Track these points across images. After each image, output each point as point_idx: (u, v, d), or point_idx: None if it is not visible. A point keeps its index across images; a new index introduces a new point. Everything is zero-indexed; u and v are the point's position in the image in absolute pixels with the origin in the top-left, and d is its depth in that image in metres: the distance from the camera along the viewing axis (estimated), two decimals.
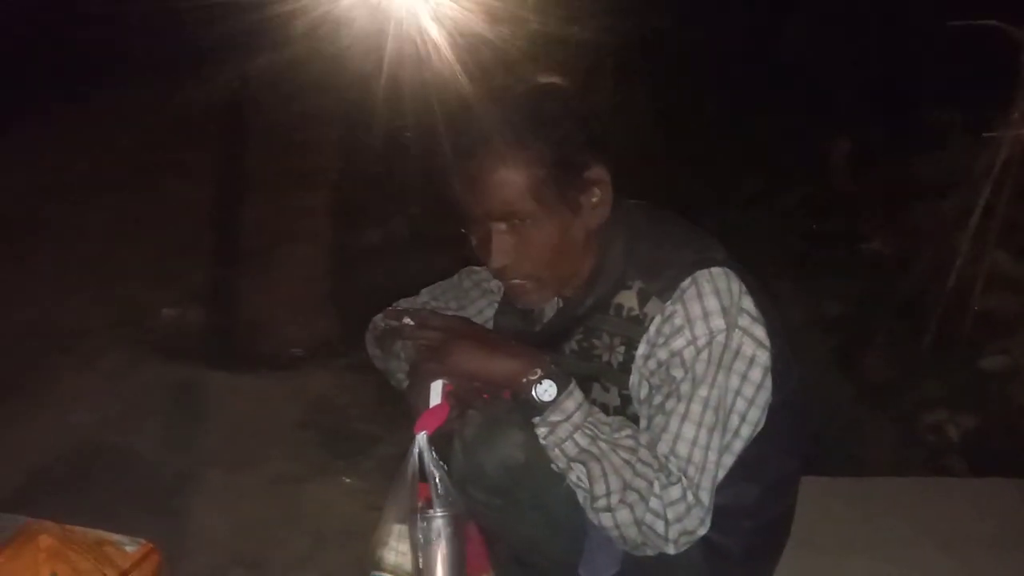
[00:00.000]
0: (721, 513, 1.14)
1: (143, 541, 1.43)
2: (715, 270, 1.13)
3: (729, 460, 1.15)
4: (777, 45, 4.21)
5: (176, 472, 1.92)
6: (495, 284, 1.39)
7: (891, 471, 2.08)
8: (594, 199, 1.16)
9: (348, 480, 1.84)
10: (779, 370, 1.16)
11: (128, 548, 1.41)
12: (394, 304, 1.36)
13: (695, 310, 1.11)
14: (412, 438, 1.12)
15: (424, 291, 1.43)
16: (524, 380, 1.10)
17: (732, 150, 3.88)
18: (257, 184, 3.91)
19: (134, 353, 2.56)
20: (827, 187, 3.62)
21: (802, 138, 3.77)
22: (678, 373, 1.12)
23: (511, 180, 1.10)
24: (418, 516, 1.12)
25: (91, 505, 1.73)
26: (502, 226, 1.13)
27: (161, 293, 2.97)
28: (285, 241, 3.40)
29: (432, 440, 1.13)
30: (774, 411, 1.17)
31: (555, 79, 1.18)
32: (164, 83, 4.34)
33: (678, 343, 1.11)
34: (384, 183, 3.53)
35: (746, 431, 1.15)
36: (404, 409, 1.14)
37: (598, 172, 1.16)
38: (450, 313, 1.36)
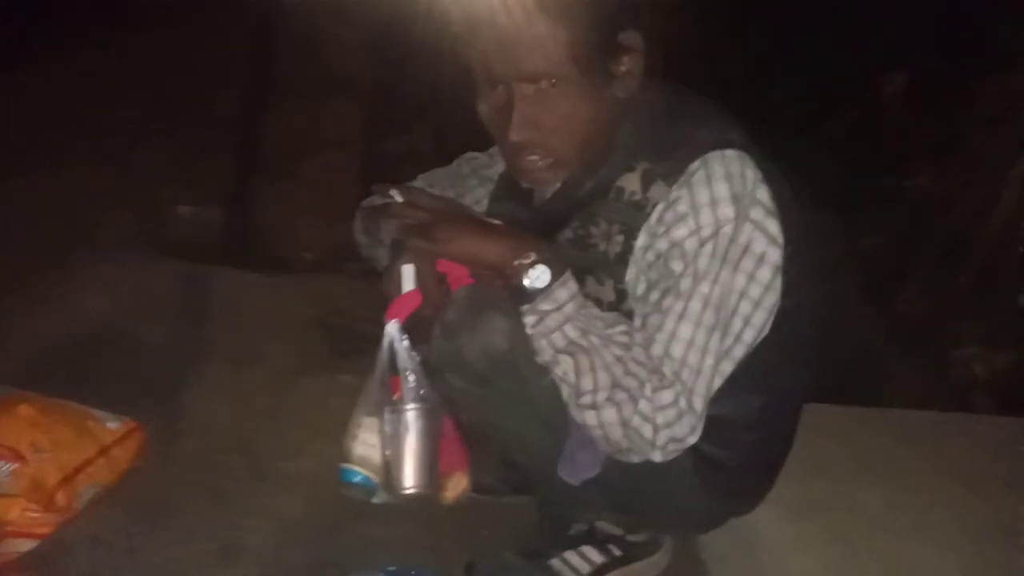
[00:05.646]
0: (719, 424, 1.07)
1: (127, 419, 1.42)
2: (729, 152, 1.03)
3: (728, 367, 1.06)
4: None
5: (180, 360, 1.92)
6: (494, 171, 1.30)
7: (915, 405, 1.99)
8: (623, 67, 1.06)
9: (345, 376, 1.81)
10: (794, 272, 1.07)
11: (110, 424, 1.40)
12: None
13: (702, 196, 1.01)
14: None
15: (420, 177, 1.35)
16: (516, 263, 1.02)
17: (779, 74, 3.67)
18: (282, 90, 3.84)
19: (150, 247, 2.59)
20: (878, 116, 3.42)
21: (855, 62, 3.54)
22: (678, 267, 1.03)
23: (549, 34, 1.01)
24: (387, 408, 1.08)
25: (94, 384, 1.73)
26: (529, 89, 1.04)
27: (181, 193, 2.97)
28: (307, 148, 3.34)
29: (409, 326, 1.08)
30: (785, 317, 1.08)
31: None
32: None
33: (680, 232, 1.02)
34: (408, 92, 3.43)
35: (749, 336, 1.06)
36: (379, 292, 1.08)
37: (632, 38, 1.05)
38: None
